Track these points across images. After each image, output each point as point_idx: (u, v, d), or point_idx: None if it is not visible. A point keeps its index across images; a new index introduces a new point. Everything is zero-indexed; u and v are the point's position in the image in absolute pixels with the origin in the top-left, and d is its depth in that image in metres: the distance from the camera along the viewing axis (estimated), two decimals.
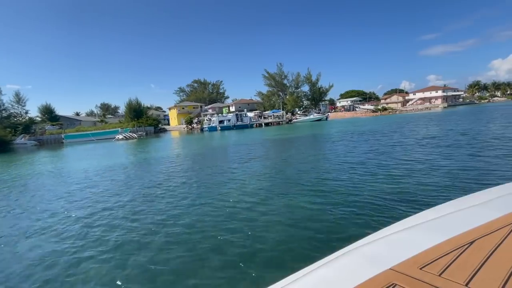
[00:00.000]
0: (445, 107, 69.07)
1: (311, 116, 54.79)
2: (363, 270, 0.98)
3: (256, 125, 49.63)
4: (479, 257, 0.99)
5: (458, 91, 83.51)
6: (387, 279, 0.91)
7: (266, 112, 59.62)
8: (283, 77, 66.97)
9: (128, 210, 6.34)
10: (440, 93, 76.94)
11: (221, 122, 48.31)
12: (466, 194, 1.85)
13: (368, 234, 1.41)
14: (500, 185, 1.92)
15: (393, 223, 1.50)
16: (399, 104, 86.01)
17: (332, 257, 1.15)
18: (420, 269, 0.95)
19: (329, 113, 61.52)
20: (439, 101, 76.17)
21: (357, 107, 72.12)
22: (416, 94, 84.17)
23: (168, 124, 73.19)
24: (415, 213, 1.63)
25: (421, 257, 1.02)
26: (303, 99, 69.76)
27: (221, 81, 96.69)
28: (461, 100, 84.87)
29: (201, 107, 71.50)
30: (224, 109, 68.75)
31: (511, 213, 1.33)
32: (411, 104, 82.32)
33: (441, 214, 1.43)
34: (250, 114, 53.76)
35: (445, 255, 1.02)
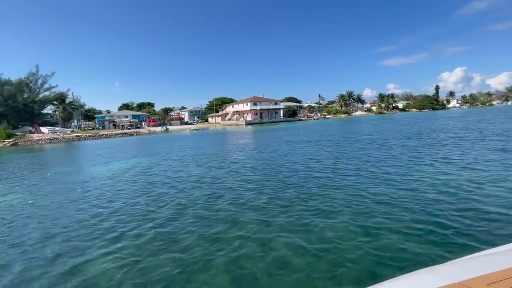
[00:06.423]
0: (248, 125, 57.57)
1: None
2: None
3: None
4: None
5: (278, 103, 73.02)
6: None
7: None
8: None
9: None
10: (250, 106, 65.79)
11: None
12: None
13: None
14: None
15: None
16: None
17: None
18: (488, 284, 1.00)
19: None
20: (249, 116, 65.08)
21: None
22: (234, 106, 72.07)
23: None
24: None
25: (491, 275, 1.07)
26: None
27: None
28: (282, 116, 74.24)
29: None
30: None
31: None
32: (229, 119, 69.59)
33: None
34: None
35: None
